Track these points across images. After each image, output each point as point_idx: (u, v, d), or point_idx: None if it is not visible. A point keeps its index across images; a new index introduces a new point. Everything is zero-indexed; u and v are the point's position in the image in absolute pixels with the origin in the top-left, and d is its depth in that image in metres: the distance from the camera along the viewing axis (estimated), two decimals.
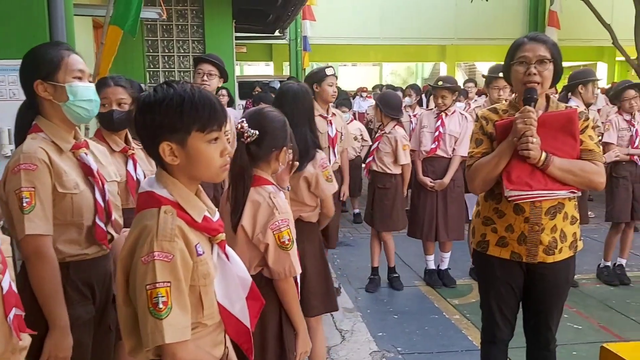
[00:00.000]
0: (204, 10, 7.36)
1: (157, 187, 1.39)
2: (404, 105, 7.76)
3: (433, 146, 4.60)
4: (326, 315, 4.10)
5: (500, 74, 4.52)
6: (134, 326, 1.38)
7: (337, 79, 4.15)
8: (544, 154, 2.16)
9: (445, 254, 4.79)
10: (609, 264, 4.86)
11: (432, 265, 4.81)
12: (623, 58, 10.60)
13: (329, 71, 4.05)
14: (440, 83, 4.61)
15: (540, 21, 14.13)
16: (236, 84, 9.59)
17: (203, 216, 1.43)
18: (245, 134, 1.98)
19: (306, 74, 13.08)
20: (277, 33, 11.72)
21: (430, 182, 4.55)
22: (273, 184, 2.11)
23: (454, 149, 4.57)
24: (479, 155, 2.32)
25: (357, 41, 14.56)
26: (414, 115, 6.97)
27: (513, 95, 2.61)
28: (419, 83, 25.95)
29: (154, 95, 1.36)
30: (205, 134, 1.38)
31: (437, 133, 4.60)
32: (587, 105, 4.58)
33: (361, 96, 13.70)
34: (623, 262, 4.86)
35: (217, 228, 1.46)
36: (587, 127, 2.27)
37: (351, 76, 28.39)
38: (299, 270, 2.09)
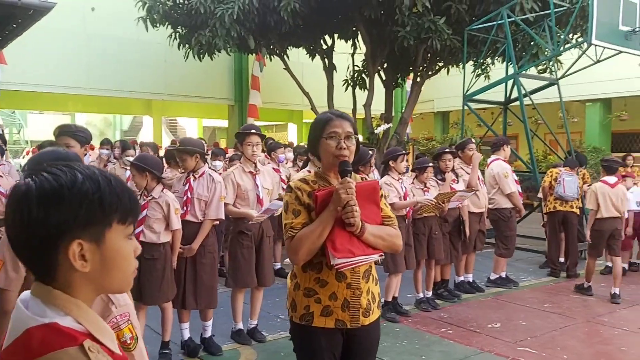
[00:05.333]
0: None
1: (54, 314, 0.99)
2: None
3: (182, 211, 4.39)
4: None
5: (253, 130, 4.70)
6: None
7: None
8: (360, 222, 2.32)
9: (207, 322, 4.62)
10: None
11: (187, 335, 4.56)
12: (308, 120, 12.22)
13: None
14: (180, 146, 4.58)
15: (244, 84, 15.24)
16: None
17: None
18: None
19: None
20: None
21: (180, 248, 4.33)
22: None
23: (204, 213, 4.46)
24: (299, 226, 2.34)
25: (58, 89, 13.21)
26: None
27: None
28: (118, 136, 24.98)
29: (55, 181, 1.00)
30: (126, 226, 1.08)
31: (185, 197, 4.45)
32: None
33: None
34: None
35: (126, 356, 1.12)
36: (381, 196, 2.55)
37: (40, 125, 25.62)
38: None
